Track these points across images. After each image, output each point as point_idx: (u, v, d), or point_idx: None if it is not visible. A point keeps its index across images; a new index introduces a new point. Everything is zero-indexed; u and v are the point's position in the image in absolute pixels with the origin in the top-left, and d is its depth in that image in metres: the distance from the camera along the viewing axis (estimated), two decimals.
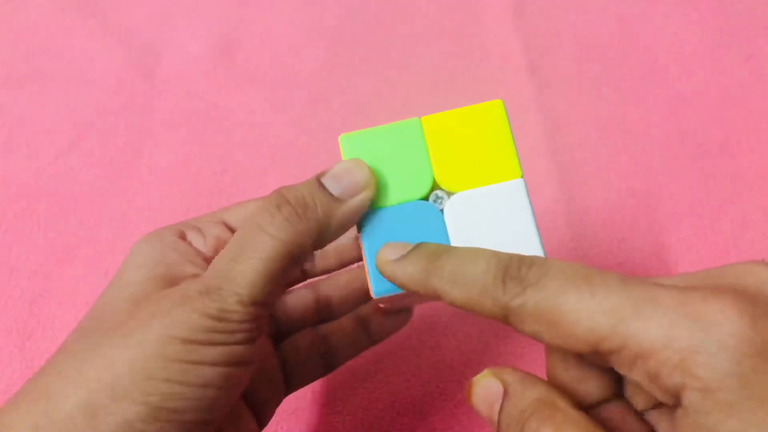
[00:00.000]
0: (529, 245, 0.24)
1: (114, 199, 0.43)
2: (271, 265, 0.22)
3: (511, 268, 0.20)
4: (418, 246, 0.22)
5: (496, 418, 0.21)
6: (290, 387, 0.30)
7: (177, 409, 0.21)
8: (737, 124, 0.44)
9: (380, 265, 0.23)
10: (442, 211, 0.24)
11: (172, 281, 0.24)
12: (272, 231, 0.22)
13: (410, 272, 0.22)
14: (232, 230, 0.27)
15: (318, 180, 0.24)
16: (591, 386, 0.22)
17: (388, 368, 0.36)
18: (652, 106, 0.45)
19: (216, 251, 0.26)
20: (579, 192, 0.42)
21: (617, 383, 0.22)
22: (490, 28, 0.49)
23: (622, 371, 0.19)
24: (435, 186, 0.25)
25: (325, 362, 0.30)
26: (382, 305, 0.28)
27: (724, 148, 0.43)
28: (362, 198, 0.24)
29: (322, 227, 0.23)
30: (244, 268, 0.22)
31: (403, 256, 0.22)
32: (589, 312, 0.18)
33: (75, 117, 0.47)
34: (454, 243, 0.24)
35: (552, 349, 0.22)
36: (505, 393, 0.21)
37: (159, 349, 0.21)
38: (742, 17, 0.48)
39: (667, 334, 0.17)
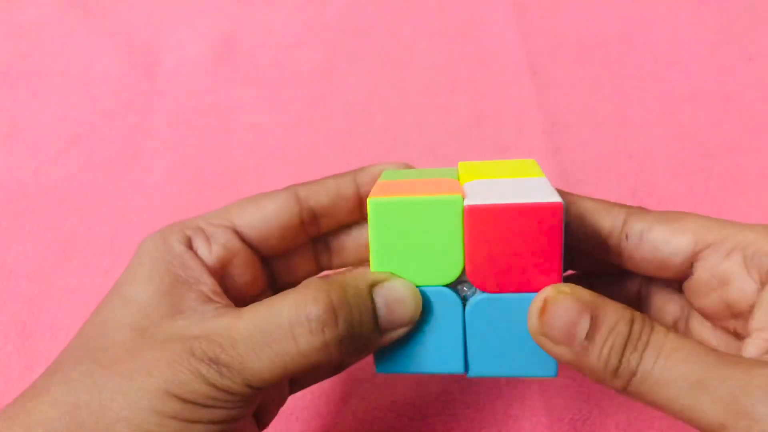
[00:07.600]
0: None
1: (114, 198, 0.43)
2: (288, 373, 0.22)
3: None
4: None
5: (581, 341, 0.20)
6: (295, 386, 0.29)
7: None
8: (737, 124, 0.43)
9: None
10: (464, 300, 0.23)
11: (176, 304, 0.23)
12: (304, 348, 0.21)
13: None
14: (242, 238, 0.26)
15: (373, 303, 0.23)
16: None
17: None
18: (652, 106, 0.45)
19: (221, 263, 0.26)
20: (579, 192, 0.42)
21: None
22: (490, 28, 0.49)
23: None
24: (462, 276, 0.23)
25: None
26: None
27: (724, 148, 0.43)
28: (401, 333, 0.23)
29: (351, 355, 0.22)
30: (262, 367, 0.21)
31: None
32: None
33: (75, 117, 0.47)
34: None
35: None
36: (596, 322, 0.20)
37: (156, 405, 0.20)
38: (742, 17, 0.48)
39: None
